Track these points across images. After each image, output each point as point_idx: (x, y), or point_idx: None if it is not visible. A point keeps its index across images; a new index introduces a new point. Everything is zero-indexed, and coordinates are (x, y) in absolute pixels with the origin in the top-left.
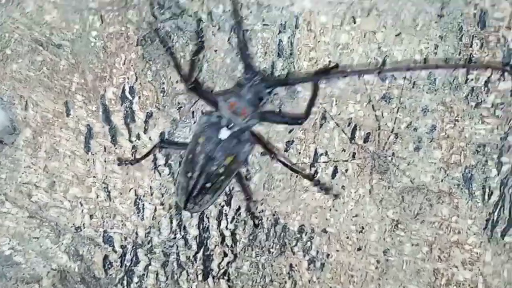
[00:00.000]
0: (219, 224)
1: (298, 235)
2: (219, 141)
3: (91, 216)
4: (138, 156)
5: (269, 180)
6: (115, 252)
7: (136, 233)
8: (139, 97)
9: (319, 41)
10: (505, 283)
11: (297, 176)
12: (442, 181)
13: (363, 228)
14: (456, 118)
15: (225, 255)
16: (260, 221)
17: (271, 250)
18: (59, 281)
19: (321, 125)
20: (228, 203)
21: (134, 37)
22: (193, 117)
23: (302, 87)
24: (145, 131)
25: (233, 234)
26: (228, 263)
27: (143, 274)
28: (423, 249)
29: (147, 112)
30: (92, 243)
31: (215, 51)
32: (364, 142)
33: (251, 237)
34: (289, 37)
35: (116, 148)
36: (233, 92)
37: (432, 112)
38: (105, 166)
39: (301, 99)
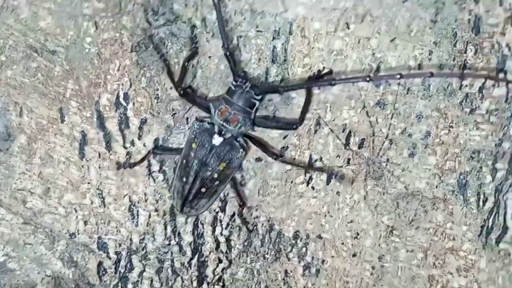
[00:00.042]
0: (213, 230)
1: (293, 241)
2: (212, 148)
3: (85, 223)
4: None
5: (263, 186)
6: (110, 258)
7: (131, 240)
8: (134, 103)
9: (313, 48)
10: None
11: (292, 182)
12: (436, 187)
13: (358, 234)
14: (451, 124)
15: (220, 261)
16: (254, 227)
17: (266, 256)
18: None
19: (315, 131)
20: (223, 209)
21: (129, 43)
22: (187, 123)
23: (296, 93)
24: (140, 137)
25: (228, 240)
26: (223, 269)
27: (138, 281)
28: (418, 255)
29: (142, 119)
30: (87, 250)
31: (209, 57)
32: (359, 148)
33: (246, 243)
34: (283, 44)
35: (110, 154)
36: (224, 98)
37: (427, 118)
38: (99, 172)
39: (295, 106)
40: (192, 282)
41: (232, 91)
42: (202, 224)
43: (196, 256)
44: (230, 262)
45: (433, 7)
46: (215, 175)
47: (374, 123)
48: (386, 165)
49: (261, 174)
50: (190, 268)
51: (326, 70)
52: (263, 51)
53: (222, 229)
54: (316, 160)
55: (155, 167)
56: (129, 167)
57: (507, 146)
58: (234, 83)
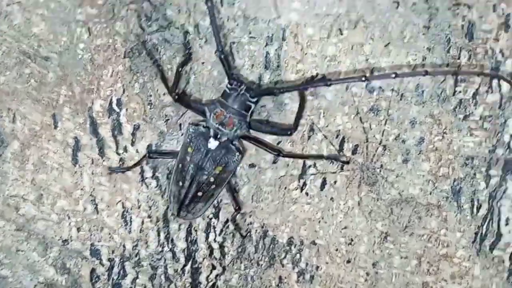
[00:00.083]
0: (207, 237)
1: (287, 247)
2: (208, 151)
3: (78, 229)
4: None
5: (257, 192)
6: (103, 265)
7: (124, 246)
8: (127, 110)
9: (306, 53)
10: None
11: (285, 188)
12: (430, 193)
13: (352, 240)
14: (444, 131)
15: (214, 267)
16: (248, 233)
17: (260, 262)
18: None
19: (309, 137)
20: (216, 216)
21: (122, 49)
22: (180, 129)
23: (289, 99)
24: (133, 143)
25: (221, 246)
26: (216, 275)
27: (131, 287)
28: (412, 262)
29: (135, 125)
30: (79, 256)
31: (202, 63)
32: (352, 154)
33: (239, 250)
34: (276, 50)
35: (103, 161)
36: (219, 102)
37: (420, 124)
38: (92, 178)
39: (288, 111)
40: None
41: (227, 94)
42: (196, 230)
43: (190, 262)
44: (224, 268)
45: (427, 13)
46: (212, 179)
47: (367, 129)
48: (380, 171)
49: (254, 180)
50: (184, 275)
51: (319, 76)
52: (256, 57)
53: (215, 236)
54: (309, 166)
55: (148, 173)
56: (121, 172)
57: (500, 152)
58: (228, 86)
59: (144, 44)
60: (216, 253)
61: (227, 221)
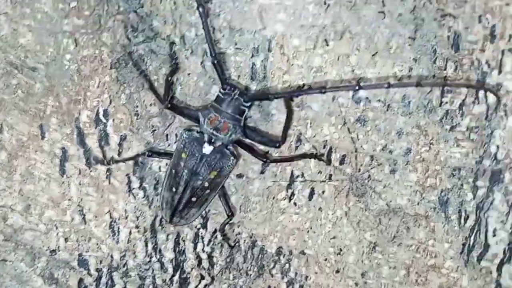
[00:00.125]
0: (195, 247)
1: (276, 257)
2: (203, 156)
3: (66, 239)
4: (112, 179)
5: (245, 203)
6: (90, 275)
7: (111, 256)
8: (113, 120)
9: (292, 64)
10: None
11: (273, 198)
12: (418, 204)
13: (341, 250)
14: (431, 141)
15: (202, 277)
16: (236, 243)
17: (249, 272)
18: None
19: (296, 147)
20: (204, 226)
21: (108, 60)
22: (167, 140)
23: (276, 110)
24: (119, 154)
25: (209, 256)
26: (205, 286)
27: None
28: (401, 272)
29: (121, 135)
30: (67, 267)
31: (188, 74)
32: (340, 164)
33: (228, 260)
34: (262, 61)
35: (91, 171)
36: (213, 107)
37: (407, 135)
38: (80, 189)
39: (275, 122)
40: None
41: (221, 99)
42: (184, 240)
43: (178, 273)
44: (213, 278)
45: (412, 24)
46: (206, 184)
47: (355, 139)
48: (368, 181)
49: (242, 191)
50: (172, 285)
51: (306, 87)
52: (242, 68)
53: (204, 246)
54: (297, 176)
55: (135, 184)
56: (108, 164)
57: (487, 163)
58: (222, 91)
59: (130, 55)
60: (205, 263)
61: (215, 231)
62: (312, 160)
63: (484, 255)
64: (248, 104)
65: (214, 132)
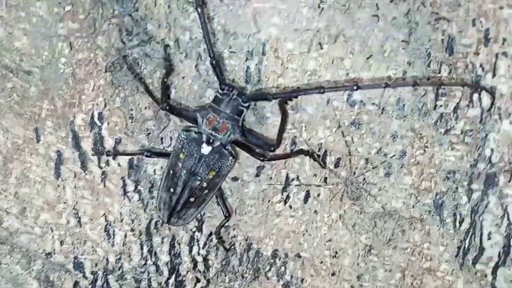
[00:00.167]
0: (190, 250)
1: (272, 260)
2: (201, 157)
3: (61, 242)
4: (107, 182)
5: (240, 206)
6: (86, 278)
7: (107, 259)
8: (108, 123)
9: (286, 68)
10: None
11: (269, 201)
12: (413, 207)
13: (336, 253)
14: (426, 145)
15: (198, 280)
16: (232, 246)
17: (245, 275)
18: None
19: (291, 151)
20: (200, 229)
21: (103, 63)
22: (162, 143)
23: (271, 113)
24: (114, 157)
25: (205, 259)
26: None
27: None
28: (396, 275)
29: (116, 138)
30: (63, 269)
31: (183, 77)
32: (335, 167)
33: (223, 263)
34: (256, 64)
35: (86, 174)
36: (211, 107)
37: (402, 138)
38: (75, 192)
39: (270, 125)
40: None
41: (219, 100)
42: (179, 243)
43: (173, 275)
44: (208, 281)
45: (406, 27)
46: (204, 184)
47: (349, 143)
48: (363, 184)
49: (237, 194)
50: None
51: (296, 95)
52: (237, 71)
53: (199, 249)
54: (293, 179)
55: (130, 187)
56: (107, 155)
57: (482, 167)
58: (220, 91)
59: (125, 58)
60: (200, 266)
61: (210, 234)
62: (307, 163)
63: (479, 258)
64: (247, 104)
65: (213, 133)
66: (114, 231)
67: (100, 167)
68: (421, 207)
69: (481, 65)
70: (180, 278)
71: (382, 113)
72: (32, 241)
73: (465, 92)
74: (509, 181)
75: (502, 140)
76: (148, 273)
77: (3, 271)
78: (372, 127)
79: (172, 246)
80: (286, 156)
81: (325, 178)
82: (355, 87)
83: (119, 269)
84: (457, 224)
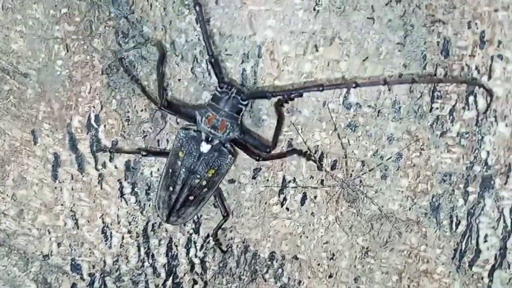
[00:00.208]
0: (187, 252)
1: (269, 262)
2: (200, 155)
3: (59, 244)
4: (104, 184)
5: (237, 208)
6: (83, 280)
7: (104, 261)
8: (105, 126)
9: (282, 70)
10: None
11: (266, 203)
12: (410, 209)
13: (333, 255)
14: (422, 147)
15: (195, 282)
16: (229, 248)
17: (242, 277)
18: None
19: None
20: (197, 231)
21: (99, 65)
22: (158, 145)
23: (267, 116)
24: (111, 159)
25: (202, 261)
26: None
27: None
28: (393, 277)
29: (113, 141)
30: (60, 271)
31: (179, 80)
32: (332, 169)
33: (221, 265)
34: (252, 67)
35: (83, 176)
36: (210, 106)
37: (398, 140)
38: (72, 194)
39: (266, 127)
40: None
41: (218, 98)
42: (176, 246)
43: (171, 278)
44: (206, 283)
45: (402, 30)
46: (204, 182)
47: (346, 145)
48: (360, 186)
49: (234, 196)
50: None
51: (296, 93)
52: (233, 74)
53: (196, 251)
54: (289, 181)
55: (127, 189)
56: (109, 152)
57: (478, 169)
58: (219, 89)
59: (121, 60)
60: (198, 268)
61: (207, 236)
62: (304, 165)
63: (476, 260)
64: (246, 102)
65: (212, 131)
66: (111, 233)
67: (97, 169)
68: (418, 209)
69: (476, 68)
70: (178, 280)
71: (378, 115)
72: (30, 243)
73: (460, 94)
74: (505, 184)
75: (498, 143)
76: (146, 275)
77: (0, 272)
78: (368, 130)
79: (169, 248)
80: (280, 156)
81: (322, 180)
82: (353, 85)
83: (116, 271)
84: (454, 226)
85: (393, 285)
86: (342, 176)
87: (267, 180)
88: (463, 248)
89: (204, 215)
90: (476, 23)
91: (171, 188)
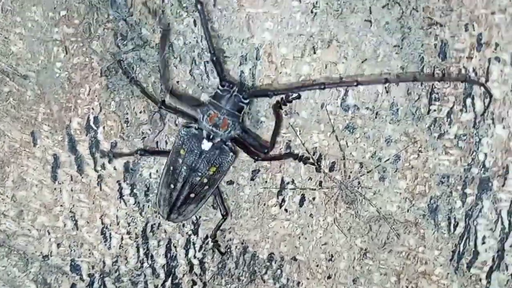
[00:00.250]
0: (187, 253)
1: (268, 263)
2: (202, 153)
3: (58, 245)
4: (103, 185)
5: (236, 209)
6: (83, 280)
7: (103, 262)
8: (104, 127)
9: (280, 72)
10: None
11: (264, 204)
12: (408, 211)
13: (332, 256)
14: (420, 149)
15: (194, 283)
16: (228, 249)
17: (241, 278)
18: None
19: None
20: (196, 232)
21: (98, 67)
22: (157, 146)
23: (265, 117)
24: (110, 160)
25: (201, 262)
26: None
27: None
28: (392, 278)
29: (112, 142)
30: (60, 272)
31: (177, 82)
32: (330, 171)
33: (220, 266)
34: (250, 69)
35: (82, 178)
36: (212, 104)
37: (396, 142)
38: (71, 195)
39: (264, 129)
40: None
41: (220, 96)
42: (175, 246)
43: (170, 278)
44: (205, 284)
45: (399, 32)
46: (205, 180)
47: (344, 147)
48: (358, 188)
49: (233, 197)
50: None
51: (294, 95)
52: (231, 76)
53: (195, 252)
54: (288, 183)
55: (126, 190)
56: (113, 156)
57: (475, 171)
58: (220, 88)
59: (119, 63)
60: (197, 269)
61: (206, 237)
62: (302, 167)
63: (474, 262)
64: (247, 100)
65: (213, 129)
66: (110, 234)
67: (96, 171)
68: (416, 211)
69: (474, 70)
70: (177, 281)
71: (376, 117)
72: (29, 244)
73: (458, 96)
74: (503, 186)
75: (495, 145)
76: (145, 276)
77: (0, 273)
78: (366, 132)
79: (168, 249)
80: (277, 158)
81: (320, 182)
82: (355, 83)
83: (115, 272)
84: (452, 228)
85: (391, 286)
86: (340, 177)
87: (266, 181)
88: (461, 250)
89: (203, 216)
90: (473, 26)
91: (172, 186)
